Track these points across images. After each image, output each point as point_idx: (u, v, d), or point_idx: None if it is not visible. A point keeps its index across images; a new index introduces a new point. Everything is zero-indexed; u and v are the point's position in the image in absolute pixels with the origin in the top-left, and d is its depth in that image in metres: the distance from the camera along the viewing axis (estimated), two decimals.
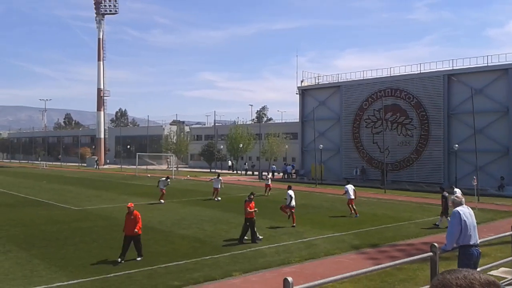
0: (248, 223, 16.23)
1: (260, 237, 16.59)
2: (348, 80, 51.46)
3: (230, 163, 68.97)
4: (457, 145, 38.04)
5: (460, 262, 8.15)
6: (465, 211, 8.17)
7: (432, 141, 43.42)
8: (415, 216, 22.48)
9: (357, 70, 78.02)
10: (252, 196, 17.18)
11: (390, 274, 11.70)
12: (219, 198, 29.50)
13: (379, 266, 8.22)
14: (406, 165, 45.09)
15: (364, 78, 49.64)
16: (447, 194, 19.78)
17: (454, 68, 42.93)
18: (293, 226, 19.40)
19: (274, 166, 59.35)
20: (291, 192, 20.37)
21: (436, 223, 19.95)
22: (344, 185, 24.04)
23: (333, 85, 52.50)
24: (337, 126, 51.23)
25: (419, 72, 45.12)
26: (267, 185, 33.18)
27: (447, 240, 8.12)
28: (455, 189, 21.52)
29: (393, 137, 45.77)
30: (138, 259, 13.56)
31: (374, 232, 18.62)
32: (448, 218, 19.62)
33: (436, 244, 7.33)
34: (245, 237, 16.32)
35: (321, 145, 46.39)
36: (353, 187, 23.24)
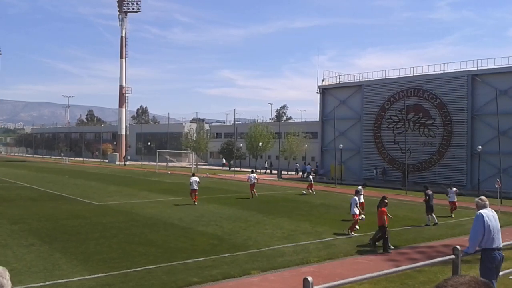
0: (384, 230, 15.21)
1: (392, 247, 15.30)
2: (369, 79, 51.07)
3: (224, 161, 69.21)
4: (480, 147, 37.35)
5: (482, 266, 8.01)
6: (489, 214, 8.03)
7: (455, 142, 42.79)
8: (436, 219, 22.16)
9: (379, 70, 77.33)
10: (386, 201, 16.47)
11: (410, 276, 11.57)
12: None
13: (399, 268, 8.13)
14: (428, 167, 44.52)
15: (386, 77, 49.17)
16: (430, 192, 20.83)
17: (478, 68, 42.22)
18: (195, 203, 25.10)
19: (297, 164, 59.18)
20: (194, 178, 25.93)
21: (427, 223, 20.31)
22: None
23: (354, 84, 52.12)
24: (358, 125, 50.84)
25: (442, 72, 44.50)
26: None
27: (470, 243, 8.00)
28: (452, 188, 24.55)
29: (415, 137, 45.24)
30: None
31: (394, 233, 18.41)
32: (433, 215, 20.09)
33: (458, 247, 7.23)
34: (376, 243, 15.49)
35: (341, 145, 46.11)
36: (256, 175, 31.10)
